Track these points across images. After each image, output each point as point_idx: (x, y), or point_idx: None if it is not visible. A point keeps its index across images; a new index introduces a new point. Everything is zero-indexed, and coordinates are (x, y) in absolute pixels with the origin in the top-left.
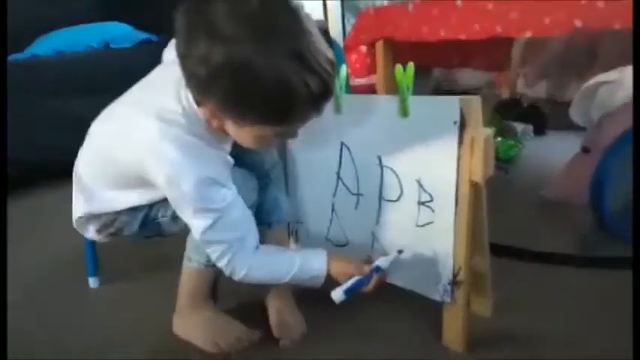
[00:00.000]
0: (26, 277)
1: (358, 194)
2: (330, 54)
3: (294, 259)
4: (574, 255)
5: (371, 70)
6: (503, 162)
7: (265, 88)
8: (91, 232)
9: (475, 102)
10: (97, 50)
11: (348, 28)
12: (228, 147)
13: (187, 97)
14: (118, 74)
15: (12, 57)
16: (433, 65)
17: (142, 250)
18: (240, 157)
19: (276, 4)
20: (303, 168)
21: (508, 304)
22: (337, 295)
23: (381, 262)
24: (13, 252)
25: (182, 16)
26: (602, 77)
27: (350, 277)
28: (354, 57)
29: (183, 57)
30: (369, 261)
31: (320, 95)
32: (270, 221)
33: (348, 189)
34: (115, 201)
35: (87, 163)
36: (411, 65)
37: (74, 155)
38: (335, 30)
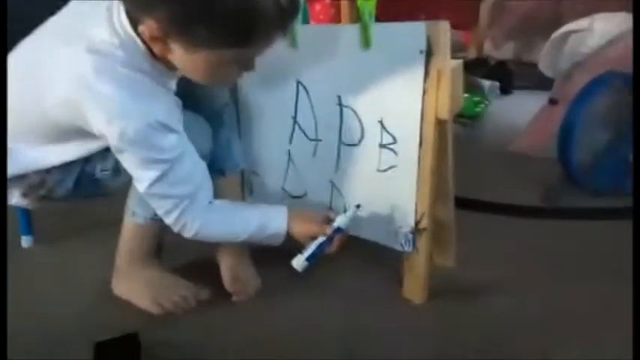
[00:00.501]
0: None
1: (316, 140)
2: None
3: (251, 216)
4: (540, 207)
5: (335, 21)
6: (469, 118)
7: (232, 13)
8: (15, 197)
9: (443, 27)
10: None
11: None
12: (173, 84)
13: (123, 24)
14: None
15: None
16: (399, 20)
17: (81, 205)
18: (186, 96)
19: None
20: (256, 112)
21: (472, 256)
22: (299, 262)
23: (341, 221)
24: None
25: None
26: (571, 26)
27: (311, 238)
28: (318, 7)
29: None
30: (328, 218)
31: (287, 8)
32: (224, 168)
33: (305, 134)
34: (44, 158)
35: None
36: None
37: None
38: None
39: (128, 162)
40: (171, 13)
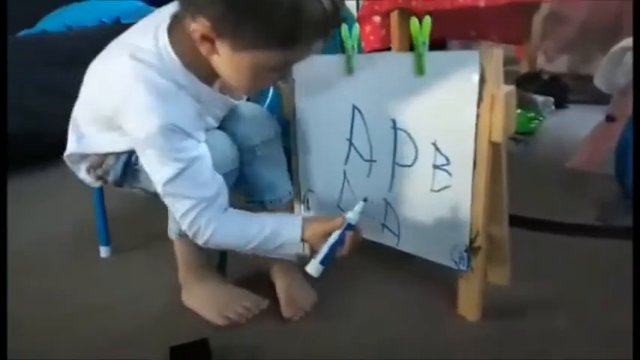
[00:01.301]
0: (38, 246)
1: (371, 160)
2: None
3: (266, 222)
4: (597, 226)
5: (385, 42)
6: (523, 134)
7: (278, 15)
8: (82, 172)
9: (496, 55)
10: (107, 25)
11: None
12: (204, 95)
13: (164, 38)
14: None
15: (22, 33)
16: (450, 37)
17: (154, 221)
18: (224, 127)
19: None
20: (313, 135)
21: (527, 274)
22: (313, 267)
23: (350, 217)
24: (27, 221)
25: None
26: (629, 42)
27: (325, 238)
28: (367, 28)
29: None
30: (341, 219)
31: (331, 15)
32: (264, 200)
33: (360, 155)
34: (102, 144)
35: (79, 102)
36: (427, 19)
37: None
38: (348, 2)
39: (147, 161)
40: (224, 10)
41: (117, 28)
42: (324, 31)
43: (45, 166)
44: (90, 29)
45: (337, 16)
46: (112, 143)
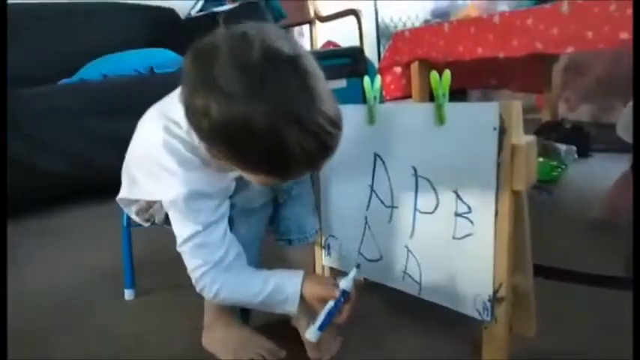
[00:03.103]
0: (63, 287)
1: (392, 207)
2: (333, 110)
3: (267, 280)
4: (622, 277)
5: (406, 91)
6: (546, 183)
7: (262, 149)
8: (132, 213)
9: (515, 107)
10: (142, 74)
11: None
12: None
13: None
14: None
15: (61, 82)
16: (470, 87)
17: (179, 264)
18: None
19: (280, 60)
20: (335, 181)
21: (553, 325)
22: (312, 334)
23: (344, 284)
24: (54, 262)
25: (187, 66)
26: None
27: (321, 302)
28: (388, 78)
29: (187, 107)
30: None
31: (316, 157)
32: (291, 239)
33: (381, 201)
34: (145, 191)
35: (131, 149)
36: (447, 73)
37: (116, 175)
38: (370, 54)
39: (172, 219)
40: (222, 152)
41: (151, 77)
42: (312, 167)
43: (74, 208)
44: (125, 78)
45: (326, 152)
46: (157, 193)
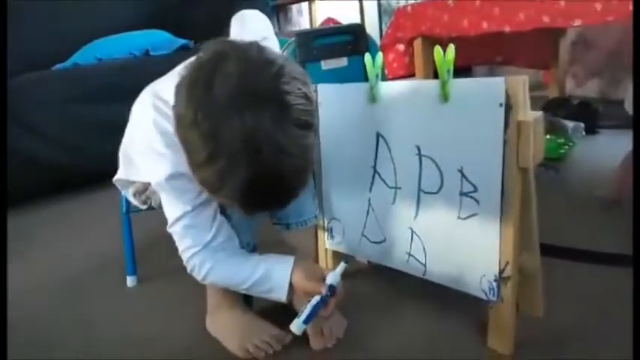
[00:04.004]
0: (65, 276)
1: (395, 187)
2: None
3: (257, 266)
4: (630, 255)
5: (409, 69)
6: (553, 161)
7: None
8: (130, 195)
9: (522, 82)
10: (137, 57)
11: (385, 30)
12: None
13: None
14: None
15: (55, 67)
16: (475, 63)
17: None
18: None
19: (265, 102)
20: (337, 163)
21: (560, 305)
22: (297, 326)
23: (332, 279)
24: (56, 252)
25: (179, 93)
26: None
27: (308, 295)
28: (391, 57)
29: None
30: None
31: (279, 203)
32: (289, 223)
33: (385, 182)
34: (145, 174)
35: (127, 132)
36: (451, 48)
37: (114, 160)
38: (371, 32)
39: (162, 201)
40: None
41: (146, 60)
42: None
43: (74, 196)
44: (120, 61)
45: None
46: (152, 175)
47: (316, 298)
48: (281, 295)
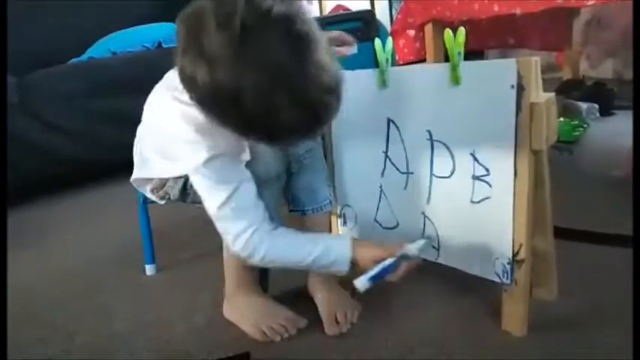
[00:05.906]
0: (86, 266)
1: (407, 173)
2: (329, 77)
3: (316, 241)
4: None
5: (420, 54)
6: (567, 143)
7: (250, 116)
8: (147, 192)
9: (534, 63)
10: (150, 50)
11: (395, 15)
12: None
13: None
14: None
15: (71, 61)
16: (487, 47)
17: (198, 239)
18: None
19: (268, 21)
20: (349, 149)
21: (574, 287)
22: (361, 282)
23: (409, 249)
24: (76, 243)
25: (177, 30)
26: None
27: (376, 263)
28: (401, 42)
29: (179, 72)
30: (398, 246)
31: (311, 128)
32: (305, 209)
33: (396, 168)
34: (162, 170)
35: (140, 129)
36: (461, 30)
37: (130, 151)
38: (381, 18)
39: (199, 189)
40: (214, 118)
41: (159, 52)
42: (307, 137)
43: (92, 188)
44: (134, 54)
45: (321, 123)
46: (169, 170)
47: (389, 261)
48: (344, 267)
